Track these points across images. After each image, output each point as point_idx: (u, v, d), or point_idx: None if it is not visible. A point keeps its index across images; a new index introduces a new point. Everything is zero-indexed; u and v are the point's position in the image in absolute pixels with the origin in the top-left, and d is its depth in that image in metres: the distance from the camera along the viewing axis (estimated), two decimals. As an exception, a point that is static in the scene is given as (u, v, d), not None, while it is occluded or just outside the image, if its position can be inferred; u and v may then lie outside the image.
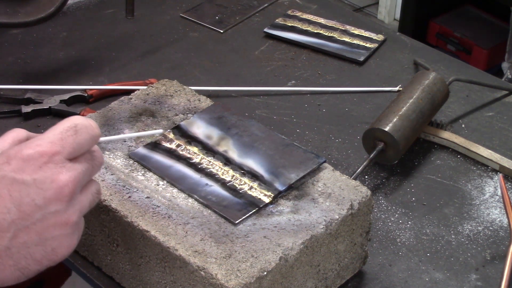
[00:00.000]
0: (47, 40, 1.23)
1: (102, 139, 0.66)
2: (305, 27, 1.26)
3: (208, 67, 1.18)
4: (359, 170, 0.91)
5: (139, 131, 0.83)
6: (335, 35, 1.25)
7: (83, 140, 0.62)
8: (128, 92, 0.93)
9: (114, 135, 0.83)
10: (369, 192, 0.77)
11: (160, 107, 0.87)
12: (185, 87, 0.91)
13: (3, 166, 0.59)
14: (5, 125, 1.04)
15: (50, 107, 1.06)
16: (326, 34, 1.25)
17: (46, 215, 0.59)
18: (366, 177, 0.97)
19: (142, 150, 0.80)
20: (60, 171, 0.60)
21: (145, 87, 0.92)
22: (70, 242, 0.62)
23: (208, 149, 0.80)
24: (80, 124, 0.62)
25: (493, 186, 0.95)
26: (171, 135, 0.82)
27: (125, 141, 0.82)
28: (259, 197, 0.75)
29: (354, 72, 1.18)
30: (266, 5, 1.34)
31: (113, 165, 0.79)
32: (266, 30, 1.26)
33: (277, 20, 1.28)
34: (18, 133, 0.64)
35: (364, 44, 1.23)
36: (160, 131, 0.79)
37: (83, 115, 1.02)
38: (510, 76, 2.29)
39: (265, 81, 1.15)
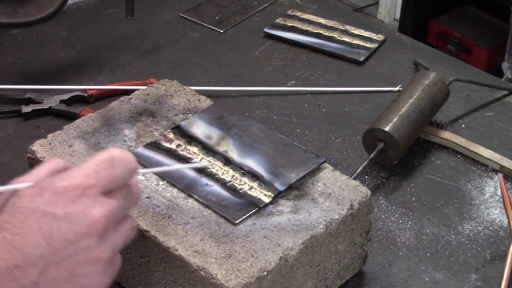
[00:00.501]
0: (47, 40, 1.23)
1: (140, 171, 0.63)
2: (305, 27, 1.26)
3: (208, 67, 1.18)
4: (359, 170, 0.91)
5: (182, 163, 0.79)
6: (335, 35, 1.25)
7: (119, 173, 0.60)
8: (128, 92, 0.93)
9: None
10: (369, 192, 0.77)
11: (160, 107, 0.87)
12: (185, 87, 0.91)
13: (36, 198, 0.57)
14: (5, 125, 1.04)
15: (50, 107, 1.06)
16: (326, 34, 1.25)
17: (77, 250, 0.57)
18: (366, 177, 0.97)
19: (142, 150, 0.80)
20: (94, 206, 0.57)
21: (145, 87, 0.92)
22: (102, 280, 0.59)
23: (208, 149, 0.80)
24: (117, 157, 0.60)
25: (493, 186, 0.95)
26: (171, 135, 0.82)
27: (125, 141, 0.82)
28: (259, 197, 0.75)
29: (354, 72, 1.18)
30: (266, 5, 1.34)
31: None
32: (266, 30, 1.26)
33: (277, 20, 1.28)
34: (55, 163, 0.62)
35: (364, 44, 1.23)
36: (206, 163, 0.77)
37: (83, 115, 1.02)
38: (510, 76, 2.29)
39: (265, 81, 1.15)
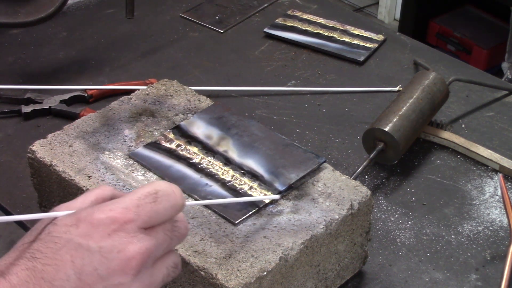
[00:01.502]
0: (47, 40, 1.23)
1: (188, 203, 0.60)
2: (305, 27, 1.26)
3: (208, 67, 1.18)
4: (359, 170, 0.91)
5: (255, 196, 0.76)
6: (335, 35, 1.25)
7: (163, 209, 0.56)
8: (128, 92, 0.93)
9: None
10: (369, 192, 0.77)
11: (160, 107, 0.87)
12: (185, 87, 0.91)
13: (71, 229, 0.54)
14: (5, 125, 1.04)
15: (50, 107, 1.06)
16: (326, 34, 1.25)
17: (108, 287, 0.54)
18: (366, 177, 0.97)
19: (142, 150, 0.80)
20: (130, 241, 0.54)
21: (145, 87, 0.92)
22: None
23: (208, 149, 0.80)
24: (161, 192, 0.56)
25: (493, 186, 0.95)
26: (171, 135, 0.82)
27: (125, 141, 0.82)
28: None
29: (354, 72, 1.18)
30: (266, 5, 1.34)
31: (113, 165, 0.79)
32: (266, 30, 1.26)
33: (277, 20, 1.28)
34: (103, 191, 0.59)
35: (364, 44, 1.23)
36: (277, 196, 0.75)
37: (83, 115, 1.02)
38: (510, 76, 2.29)
39: (265, 81, 1.15)
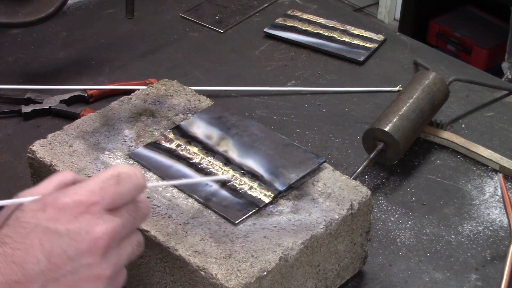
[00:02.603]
0: (47, 40, 1.23)
1: (149, 185, 0.62)
2: (305, 27, 1.26)
3: (208, 67, 1.18)
4: (359, 170, 0.91)
5: (203, 176, 0.77)
6: (335, 35, 1.25)
7: (126, 190, 0.58)
8: (128, 92, 0.93)
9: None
10: (369, 192, 0.77)
11: (160, 107, 0.87)
12: (185, 87, 0.91)
13: (38, 214, 0.56)
14: (5, 125, 1.04)
15: (50, 107, 1.06)
16: (326, 34, 1.25)
17: (77, 268, 0.56)
18: (366, 177, 0.97)
19: (142, 150, 0.80)
20: (97, 223, 0.56)
21: (145, 87, 0.92)
22: None
23: (208, 149, 0.80)
24: (123, 174, 0.59)
25: (493, 186, 0.95)
26: (171, 135, 0.82)
27: (125, 141, 0.82)
28: (259, 197, 0.75)
29: (354, 72, 1.18)
30: (266, 5, 1.34)
31: (113, 165, 0.79)
32: (266, 30, 1.26)
33: (277, 20, 1.28)
34: (65, 176, 0.61)
35: (364, 44, 1.23)
36: (229, 176, 0.76)
37: (83, 115, 1.02)
38: (510, 76, 2.29)
39: (265, 81, 1.15)
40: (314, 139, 1.03)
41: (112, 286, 0.59)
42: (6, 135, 1.03)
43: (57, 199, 0.57)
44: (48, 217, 0.56)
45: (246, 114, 1.06)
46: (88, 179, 0.58)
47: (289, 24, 1.27)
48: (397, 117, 0.95)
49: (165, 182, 0.75)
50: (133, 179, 0.59)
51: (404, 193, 0.95)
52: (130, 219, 0.59)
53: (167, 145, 0.81)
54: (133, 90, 0.93)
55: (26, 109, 1.05)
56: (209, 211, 0.73)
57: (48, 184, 0.60)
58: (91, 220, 0.56)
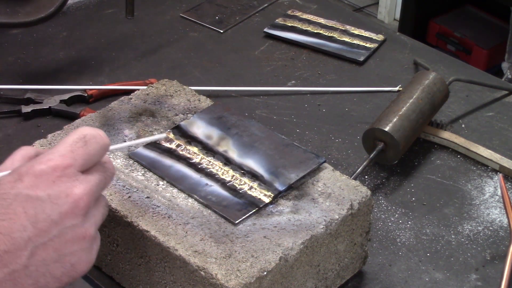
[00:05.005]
0: (47, 40, 1.23)
1: (111, 147, 0.64)
2: (305, 27, 1.26)
3: (208, 67, 1.18)
4: (359, 170, 0.91)
5: (142, 137, 0.81)
6: (335, 35, 1.25)
7: (93, 150, 0.61)
8: (128, 92, 0.93)
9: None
10: (369, 192, 0.77)
11: (160, 107, 0.87)
12: (185, 87, 0.91)
13: (16, 184, 0.58)
14: (5, 125, 1.04)
15: (50, 107, 1.06)
16: (326, 34, 1.25)
17: (63, 230, 0.58)
18: (366, 177, 0.97)
19: (142, 150, 0.80)
20: (74, 185, 0.59)
21: (145, 87, 0.92)
22: (89, 256, 0.61)
23: (208, 149, 0.80)
24: (89, 135, 0.61)
25: (493, 186, 0.95)
26: (171, 135, 0.82)
27: (125, 141, 0.82)
28: (259, 197, 0.75)
29: (354, 72, 1.18)
30: (266, 5, 1.34)
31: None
32: (266, 30, 1.26)
33: (277, 20, 1.28)
34: (26, 150, 0.63)
35: (364, 44, 1.23)
36: (164, 135, 0.78)
37: (83, 115, 1.02)
38: (510, 76, 2.30)
39: (265, 81, 1.15)
40: (314, 139, 1.03)
41: (95, 245, 0.62)
42: (6, 135, 1.03)
43: (32, 168, 0.58)
44: (26, 185, 0.58)
45: (246, 114, 1.06)
46: (56, 145, 0.61)
47: (289, 24, 1.27)
48: (397, 117, 0.95)
49: (124, 144, 0.74)
50: (98, 139, 0.62)
51: (404, 193, 0.95)
52: (102, 178, 0.62)
53: (167, 145, 0.81)
54: (133, 90, 0.93)
55: (26, 109, 1.05)
56: (209, 211, 0.73)
57: (12, 160, 0.62)
58: (68, 182, 0.59)
